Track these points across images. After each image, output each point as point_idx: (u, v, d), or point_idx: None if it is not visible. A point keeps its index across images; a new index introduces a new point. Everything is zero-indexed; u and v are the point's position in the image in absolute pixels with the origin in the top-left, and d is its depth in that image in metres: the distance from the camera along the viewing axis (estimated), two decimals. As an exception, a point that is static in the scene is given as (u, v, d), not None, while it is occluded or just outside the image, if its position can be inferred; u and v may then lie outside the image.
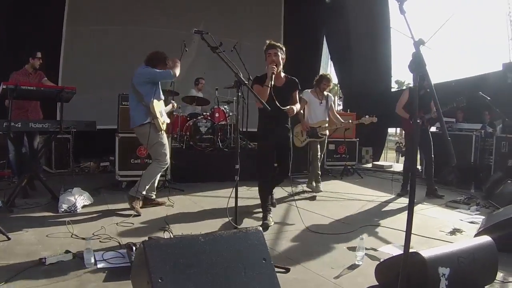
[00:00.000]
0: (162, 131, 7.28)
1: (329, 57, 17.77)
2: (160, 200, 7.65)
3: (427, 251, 3.76)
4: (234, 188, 5.75)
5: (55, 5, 12.73)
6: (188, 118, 11.48)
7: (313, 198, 9.25)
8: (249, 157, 10.91)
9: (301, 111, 9.26)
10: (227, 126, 11.79)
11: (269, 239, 5.82)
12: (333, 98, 10.26)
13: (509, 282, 4.52)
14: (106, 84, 12.32)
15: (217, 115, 11.73)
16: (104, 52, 12.84)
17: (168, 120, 7.62)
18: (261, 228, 3.87)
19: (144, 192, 7.13)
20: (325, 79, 9.71)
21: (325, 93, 9.85)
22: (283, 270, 4.64)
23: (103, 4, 13.51)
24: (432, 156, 9.62)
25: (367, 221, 7.10)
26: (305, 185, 10.15)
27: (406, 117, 9.45)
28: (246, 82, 5.54)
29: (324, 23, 16.99)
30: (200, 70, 13.83)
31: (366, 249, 5.31)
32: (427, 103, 9.21)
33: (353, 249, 5.28)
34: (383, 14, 16.67)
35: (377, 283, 4.16)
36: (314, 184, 9.77)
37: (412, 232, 6.28)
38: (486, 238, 4.37)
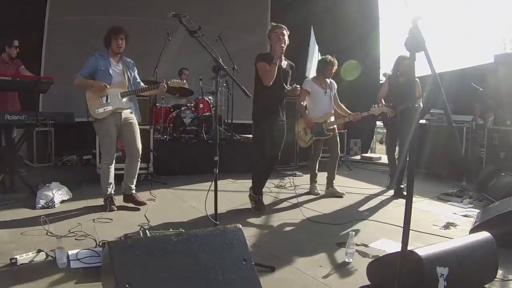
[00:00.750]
0: (104, 120, 6.55)
1: (317, 48, 17.53)
2: (139, 199, 7.01)
3: (424, 249, 3.51)
4: (214, 182, 5.30)
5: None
6: (171, 110, 11.18)
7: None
8: (235, 149, 10.72)
9: (303, 104, 8.36)
10: (211, 117, 11.40)
11: (253, 235, 5.61)
12: (336, 85, 8.81)
13: (510, 280, 4.28)
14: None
15: (201, 106, 11.49)
16: (88, 43, 12.52)
17: (124, 106, 6.72)
18: (240, 226, 3.59)
19: (109, 192, 6.75)
20: (330, 63, 8.37)
21: (328, 80, 8.60)
22: (268, 269, 4.36)
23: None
24: (407, 152, 8.33)
25: (356, 215, 6.86)
26: (291, 177, 9.84)
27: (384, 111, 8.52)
28: (226, 67, 5.19)
29: (311, 13, 16.73)
30: (185, 60, 13.52)
31: (357, 245, 5.05)
32: (407, 91, 8.14)
33: (343, 245, 4.97)
34: (372, 5, 16.52)
35: (369, 283, 3.94)
36: (333, 187, 8.59)
37: (401, 226, 6.12)
38: (485, 234, 4.15)
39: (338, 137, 8.65)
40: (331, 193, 8.44)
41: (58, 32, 12.59)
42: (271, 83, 6.37)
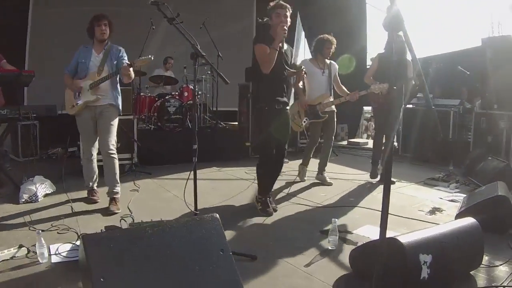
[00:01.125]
0: (79, 115, 6.35)
1: (303, 34, 17.40)
2: (110, 209, 6.26)
3: (406, 236, 3.45)
4: (193, 170, 5.19)
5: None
6: (156, 99, 11.04)
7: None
8: (220, 137, 10.63)
9: (300, 85, 7.75)
10: (196, 105, 11.18)
11: (236, 225, 5.55)
12: (337, 66, 8.35)
13: (495, 266, 4.22)
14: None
15: (186, 94, 11.35)
16: (72, 34, 12.37)
17: (90, 98, 6.22)
18: (217, 215, 3.49)
19: (90, 185, 6.65)
20: (327, 42, 7.90)
21: (327, 61, 8.11)
22: (250, 259, 4.32)
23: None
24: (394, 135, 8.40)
25: (341, 202, 6.81)
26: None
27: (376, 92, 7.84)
28: (204, 54, 5.04)
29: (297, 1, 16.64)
30: (170, 49, 13.38)
31: (340, 232, 4.97)
32: (401, 71, 7.82)
33: (326, 232, 4.88)
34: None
35: (352, 270, 3.89)
36: (323, 175, 8.30)
37: (389, 213, 6.06)
38: (470, 220, 4.12)
39: (335, 122, 8.33)
40: (320, 180, 8.23)
41: (41, 24, 12.36)
42: (269, 70, 5.84)
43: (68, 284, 3.75)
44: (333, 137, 8.42)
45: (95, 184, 6.70)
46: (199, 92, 11.46)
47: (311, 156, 8.49)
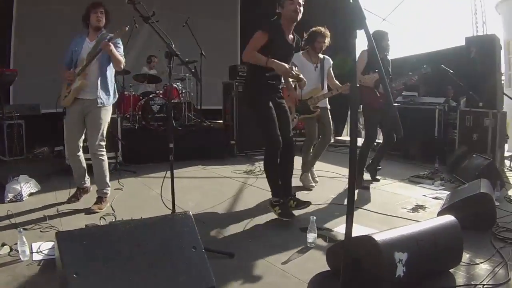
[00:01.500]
0: (69, 108, 6.15)
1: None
2: (93, 208, 6.15)
3: (382, 234, 3.40)
4: (170, 169, 5.13)
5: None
6: (140, 97, 11.02)
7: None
8: (204, 135, 10.62)
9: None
10: (181, 103, 11.27)
11: (215, 222, 5.50)
12: (331, 61, 7.89)
13: (476, 264, 4.19)
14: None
15: (170, 92, 11.19)
16: (57, 33, 12.27)
17: (77, 84, 5.97)
18: (190, 213, 3.52)
19: (78, 183, 6.52)
20: (320, 35, 7.38)
21: (321, 55, 7.69)
22: (227, 256, 4.30)
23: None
24: (394, 140, 8.01)
25: (324, 199, 6.74)
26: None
27: (369, 85, 7.55)
28: (178, 53, 4.94)
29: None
30: (154, 48, 13.33)
31: (321, 229, 4.98)
32: (386, 68, 7.66)
33: (306, 230, 4.81)
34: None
35: (329, 268, 3.82)
36: (309, 176, 7.78)
37: (371, 210, 6.03)
38: (449, 218, 4.06)
39: (330, 119, 7.87)
40: (302, 182, 7.72)
41: (26, 24, 12.25)
42: (247, 61, 5.54)
43: (47, 281, 3.74)
44: (331, 137, 8.03)
45: (87, 183, 6.60)
46: (183, 91, 11.42)
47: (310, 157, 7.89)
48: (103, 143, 6.19)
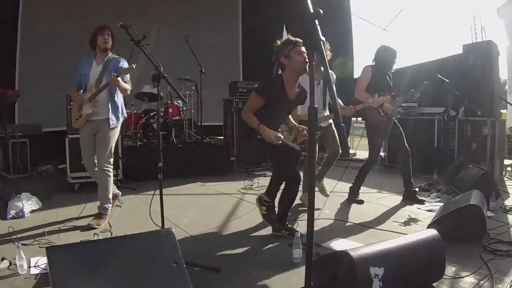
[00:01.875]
0: (81, 130, 6.50)
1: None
2: (92, 223, 6.25)
3: (358, 250, 3.47)
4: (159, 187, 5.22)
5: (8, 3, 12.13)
6: (142, 115, 11.10)
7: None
8: (204, 152, 10.67)
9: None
10: (182, 121, 11.41)
11: (207, 238, 5.64)
12: (334, 76, 7.46)
13: (461, 277, 4.20)
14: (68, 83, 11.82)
15: (170, 110, 11.41)
16: (62, 51, 12.40)
17: (88, 111, 6.32)
18: (172, 230, 3.63)
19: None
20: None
21: (323, 69, 6.82)
22: (213, 271, 4.39)
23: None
24: (408, 148, 7.68)
25: (317, 214, 6.74)
26: (259, 178, 9.46)
27: (373, 105, 7.15)
28: (166, 76, 5.00)
29: (284, 12, 16.68)
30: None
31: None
32: (389, 85, 7.61)
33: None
34: (344, 1, 16.47)
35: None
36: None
37: (362, 224, 6.05)
38: (431, 232, 4.11)
39: (335, 133, 7.29)
40: (318, 188, 7.51)
41: (30, 42, 12.37)
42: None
43: None
44: (340, 150, 7.40)
45: (115, 190, 6.96)
46: (184, 108, 11.51)
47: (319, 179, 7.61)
48: (111, 160, 6.39)
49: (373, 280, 3.29)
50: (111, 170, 6.38)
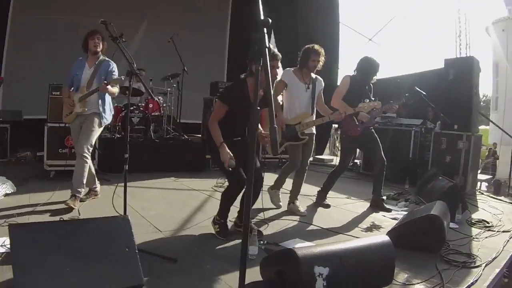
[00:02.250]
0: (71, 124, 6.89)
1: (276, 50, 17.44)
2: (68, 202, 6.54)
3: (304, 249, 3.56)
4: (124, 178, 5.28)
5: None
6: (123, 109, 11.12)
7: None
8: (181, 148, 10.71)
9: (278, 100, 7.23)
10: (161, 117, 11.47)
11: (171, 230, 5.72)
12: (323, 83, 7.31)
13: (412, 284, 4.28)
14: (57, 73, 11.77)
15: (151, 106, 11.41)
16: (52, 42, 12.40)
17: (79, 110, 6.70)
18: (128, 217, 3.79)
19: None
20: (315, 53, 6.87)
21: (313, 75, 7.11)
22: (170, 261, 4.48)
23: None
24: (384, 159, 7.64)
25: (282, 215, 6.87)
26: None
27: (349, 111, 7.22)
28: (137, 72, 5.04)
29: (272, 16, 16.67)
30: (143, 61, 13.43)
31: (269, 243, 5.15)
32: (368, 95, 7.56)
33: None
34: (333, 9, 16.51)
35: (262, 279, 3.96)
36: (296, 204, 7.20)
37: (324, 227, 6.10)
38: (382, 238, 4.19)
39: (313, 144, 7.38)
40: (292, 210, 7.12)
41: (20, 31, 12.37)
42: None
43: (4, 271, 3.92)
44: (309, 162, 7.50)
45: (97, 186, 7.24)
46: (164, 105, 11.54)
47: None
48: (90, 148, 6.65)
49: (317, 279, 3.34)
50: (88, 157, 6.62)
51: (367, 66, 7.52)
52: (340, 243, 3.90)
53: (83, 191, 6.73)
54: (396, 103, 7.59)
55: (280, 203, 7.41)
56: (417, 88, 9.19)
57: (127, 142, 5.22)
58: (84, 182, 6.65)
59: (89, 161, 6.67)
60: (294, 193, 7.31)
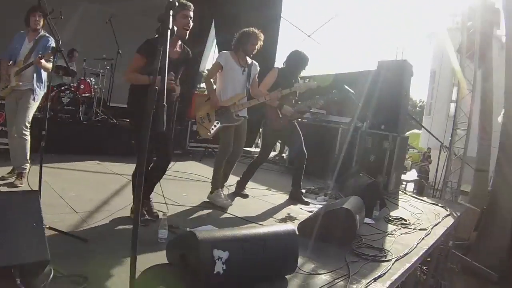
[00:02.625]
0: (6, 98, 6.93)
1: (215, 42, 17.33)
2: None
3: (206, 232, 3.63)
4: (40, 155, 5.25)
5: None
6: (55, 89, 10.97)
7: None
8: (109, 132, 10.63)
9: (211, 82, 7.00)
10: (91, 98, 11.31)
11: (86, 211, 5.65)
12: (258, 68, 7.25)
13: (317, 274, 4.36)
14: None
15: (82, 87, 11.27)
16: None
17: (13, 84, 6.68)
18: (38, 194, 3.80)
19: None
20: (254, 36, 6.83)
21: (249, 59, 7.05)
22: (82, 241, 4.49)
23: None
24: (305, 152, 7.72)
25: (198, 201, 6.81)
26: None
27: (273, 104, 7.43)
28: (62, 49, 5.06)
29: (213, 8, 16.58)
30: (79, 41, 13.23)
31: (179, 228, 5.23)
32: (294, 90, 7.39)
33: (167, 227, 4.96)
34: (275, 3, 16.52)
35: (167, 262, 4.00)
36: (220, 193, 6.90)
37: (238, 216, 6.13)
38: (287, 226, 4.29)
39: (246, 127, 7.21)
40: (212, 201, 6.83)
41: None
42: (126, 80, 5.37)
43: None
44: (243, 146, 7.32)
45: (26, 168, 6.89)
46: (95, 86, 11.44)
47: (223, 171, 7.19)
48: (28, 126, 6.71)
49: (216, 262, 3.40)
50: (27, 134, 6.70)
51: (296, 60, 7.67)
52: (243, 229, 4.00)
53: (28, 165, 6.75)
54: (321, 98, 7.75)
55: (227, 201, 6.86)
56: (346, 87, 9.31)
57: (46, 119, 5.40)
58: (28, 157, 6.75)
59: (28, 136, 6.71)
60: (225, 177, 7.30)
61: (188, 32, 5.40)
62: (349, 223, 5.44)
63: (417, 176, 19.06)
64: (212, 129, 6.66)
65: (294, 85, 7.30)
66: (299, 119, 9.00)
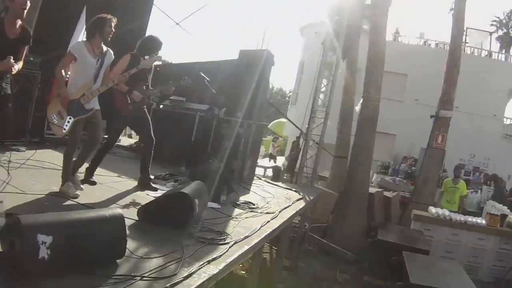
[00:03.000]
0: None
1: (84, 27, 16.92)
2: None
3: (30, 217, 3.69)
4: None
5: None
6: None
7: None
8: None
9: (63, 74, 6.54)
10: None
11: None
12: (113, 56, 6.94)
13: (149, 258, 4.48)
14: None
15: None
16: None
17: None
18: None
19: None
20: (109, 21, 6.57)
21: (104, 47, 6.72)
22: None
23: None
24: (153, 137, 7.85)
25: (43, 191, 6.40)
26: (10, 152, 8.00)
27: (123, 90, 7.28)
28: None
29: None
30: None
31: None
32: (146, 76, 7.65)
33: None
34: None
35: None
36: (70, 185, 6.51)
37: (80, 203, 6.15)
38: (114, 211, 4.47)
39: (100, 119, 6.95)
40: (64, 191, 6.41)
41: None
42: None
43: None
44: (100, 135, 7.13)
45: None
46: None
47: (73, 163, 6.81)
48: None
49: (40, 247, 3.46)
50: None
51: (147, 44, 7.70)
52: (69, 213, 4.06)
53: None
54: (173, 84, 7.97)
55: (75, 193, 6.48)
56: (201, 74, 9.59)
57: None
58: None
59: None
60: (74, 166, 6.83)
61: (25, 11, 5.50)
62: (187, 207, 5.66)
63: (286, 163, 19.53)
64: (66, 125, 6.39)
65: (144, 74, 7.47)
66: (156, 106, 9.13)
